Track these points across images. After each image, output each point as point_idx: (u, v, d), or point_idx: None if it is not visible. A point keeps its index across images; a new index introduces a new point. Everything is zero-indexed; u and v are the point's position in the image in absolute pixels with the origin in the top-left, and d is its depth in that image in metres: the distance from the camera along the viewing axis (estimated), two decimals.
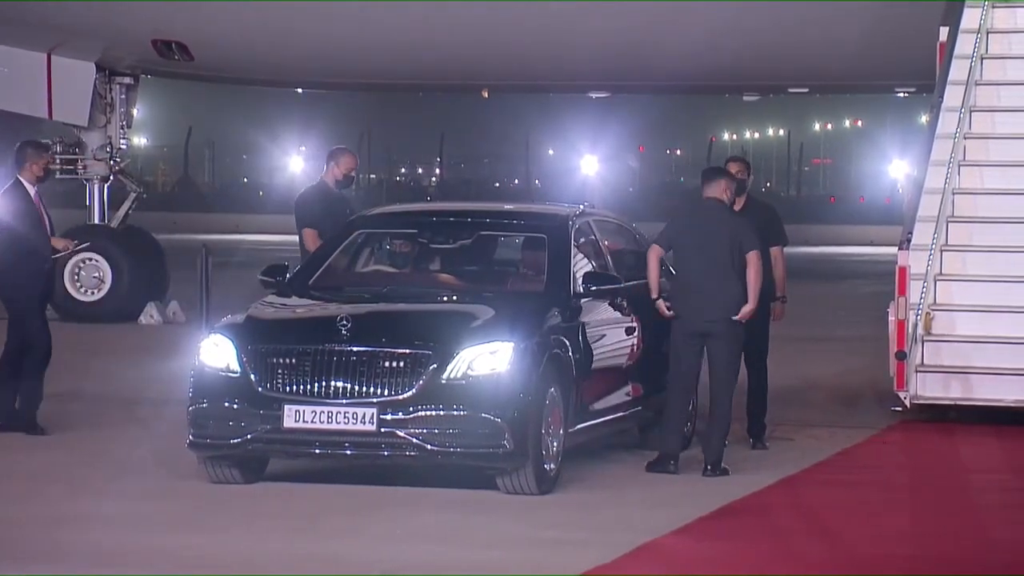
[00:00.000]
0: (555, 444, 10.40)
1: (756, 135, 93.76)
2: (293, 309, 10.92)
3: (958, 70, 14.31)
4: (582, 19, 19.84)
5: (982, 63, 14.47)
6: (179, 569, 8.43)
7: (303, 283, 11.19)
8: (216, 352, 10.33)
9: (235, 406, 10.21)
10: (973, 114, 14.29)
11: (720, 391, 10.99)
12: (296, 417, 10.11)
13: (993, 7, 14.68)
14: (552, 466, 10.36)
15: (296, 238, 12.96)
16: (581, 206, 11.76)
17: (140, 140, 69.56)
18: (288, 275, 11.20)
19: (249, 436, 10.19)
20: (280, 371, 10.18)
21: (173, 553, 8.74)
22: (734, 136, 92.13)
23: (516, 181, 73.82)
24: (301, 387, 10.14)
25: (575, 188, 54.47)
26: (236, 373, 10.25)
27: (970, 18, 14.57)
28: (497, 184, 78.82)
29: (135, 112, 21.77)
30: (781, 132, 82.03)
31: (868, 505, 10.27)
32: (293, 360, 10.17)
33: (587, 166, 61.65)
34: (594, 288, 11.04)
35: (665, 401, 11.12)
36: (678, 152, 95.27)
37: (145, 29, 20.51)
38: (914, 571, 8.63)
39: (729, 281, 10.95)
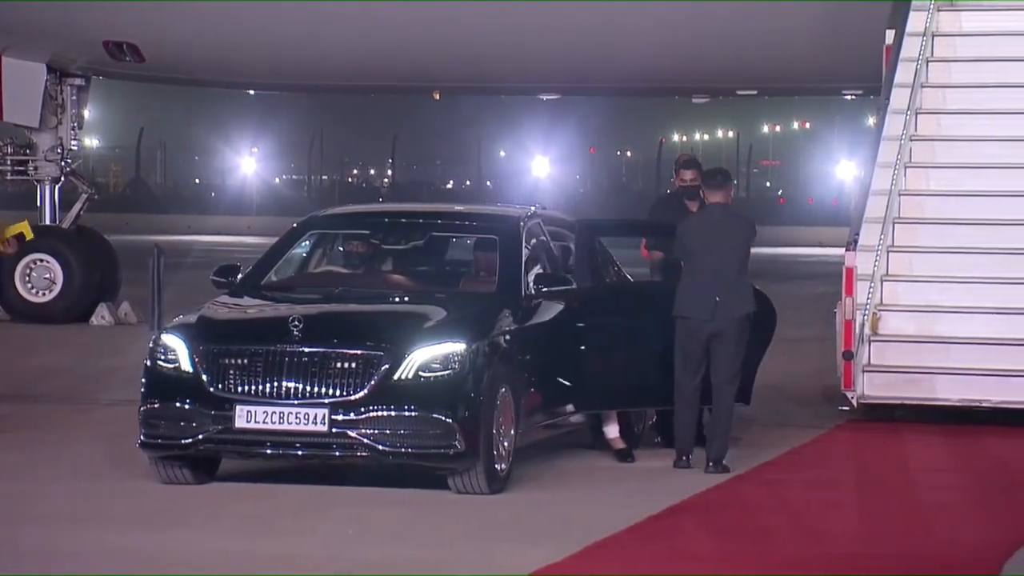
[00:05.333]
0: (506, 444, 10.41)
1: (706, 137, 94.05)
2: (245, 310, 10.90)
3: (904, 73, 14.40)
4: (533, 21, 19.86)
5: (928, 66, 14.56)
6: (132, 569, 8.40)
7: (255, 284, 11.17)
8: (168, 352, 10.30)
9: (186, 406, 10.18)
10: (919, 116, 14.38)
11: (724, 389, 11.07)
12: (248, 417, 10.09)
13: (939, 10, 14.78)
14: (503, 466, 10.37)
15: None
16: (532, 207, 11.78)
17: (91, 141, 69.18)
18: (240, 276, 11.18)
19: (200, 436, 10.16)
20: (232, 371, 10.16)
21: (126, 553, 8.71)
22: (684, 138, 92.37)
23: (468, 182, 73.85)
24: (253, 387, 10.12)
25: (526, 189, 54.52)
26: (188, 373, 10.23)
27: (916, 21, 14.66)
28: (449, 185, 78.83)
29: (86, 113, 21.67)
30: (730, 134, 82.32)
31: (815, 504, 10.32)
32: (245, 360, 10.15)
33: (538, 167, 61.71)
34: (545, 289, 11.06)
35: (675, 401, 11.18)
36: (628, 154, 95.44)
37: (96, 30, 20.42)
38: (860, 570, 8.67)
39: (741, 281, 11.09)
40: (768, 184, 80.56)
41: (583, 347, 11.30)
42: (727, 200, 11.34)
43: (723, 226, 11.22)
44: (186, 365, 10.24)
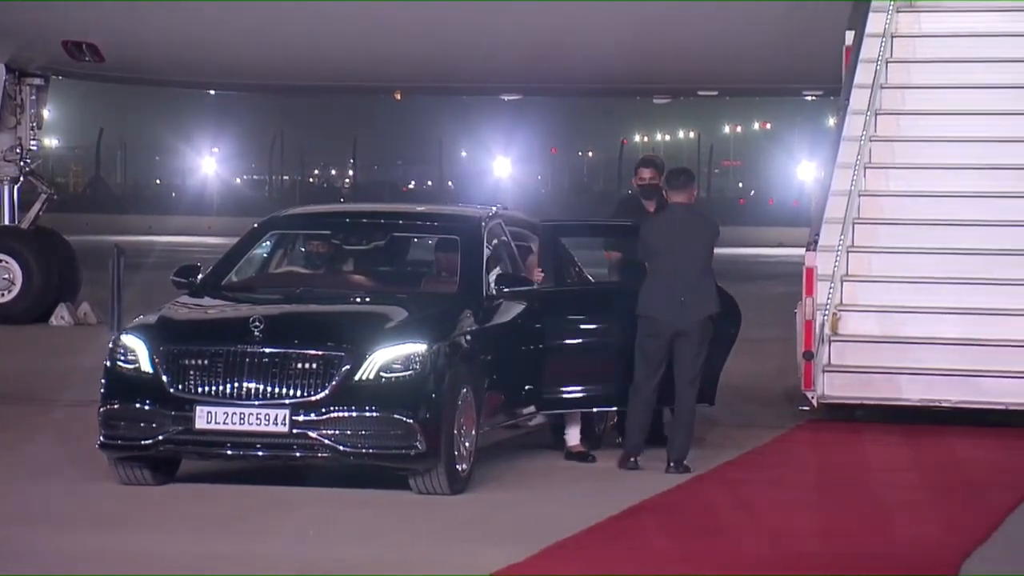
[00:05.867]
0: (467, 444, 10.41)
1: (667, 137, 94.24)
2: (205, 310, 10.88)
3: (864, 74, 14.46)
4: (494, 21, 19.87)
5: (887, 67, 14.62)
6: (91, 570, 8.37)
7: (215, 284, 11.15)
8: (127, 353, 10.27)
9: (146, 407, 10.15)
10: (878, 117, 14.44)
11: (686, 390, 11.09)
12: (208, 418, 10.07)
13: (898, 12, 14.84)
14: (464, 466, 10.37)
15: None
16: (494, 208, 11.78)
17: (51, 141, 68.91)
18: (200, 276, 11.15)
19: (161, 437, 10.13)
20: (192, 372, 10.13)
21: (85, 554, 8.68)
22: (645, 138, 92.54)
23: (430, 183, 73.82)
24: (213, 388, 10.10)
25: (488, 190, 54.54)
26: (148, 374, 10.20)
27: (875, 22, 14.72)
28: (411, 186, 78.77)
29: (46, 113, 21.57)
30: (692, 134, 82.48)
31: (776, 503, 10.35)
32: (205, 361, 10.13)
33: (500, 168, 61.75)
34: (507, 289, 11.07)
35: (628, 400, 11.19)
36: (590, 154, 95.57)
37: (55, 30, 20.34)
38: (820, 569, 8.70)
39: (705, 281, 11.10)
40: (741, 185, 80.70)
41: (544, 348, 11.31)
42: (690, 200, 11.36)
43: (687, 226, 11.24)
44: (146, 366, 10.21)
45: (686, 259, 11.13)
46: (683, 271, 11.11)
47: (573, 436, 11.62)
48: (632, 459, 11.17)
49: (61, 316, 20.32)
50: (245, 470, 10.62)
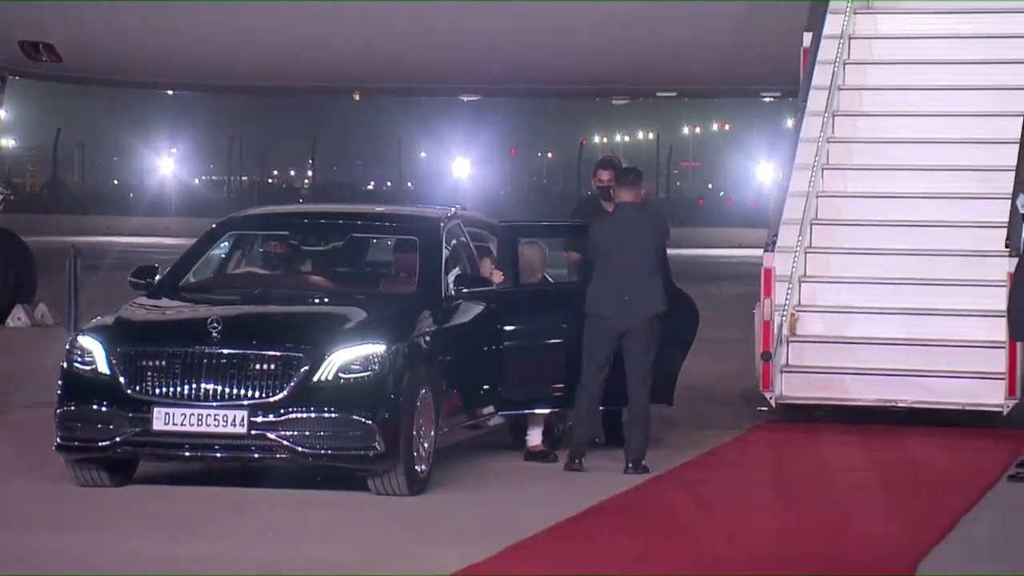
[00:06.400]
0: (426, 445, 10.41)
1: (626, 138, 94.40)
2: (163, 311, 10.85)
3: (821, 75, 14.51)
4: (452, 21, 19.87)
5: (844, 68, 14.68)
6: (51, 571, 8.33)
7: (173, 285, 11.12)
8: (84, 354, 10.23)
9: (104, 408, 10.12)
10: (836, 118, 14.49)
11: (638, 389, 11.10)
12: (166, 419, 10.04)
13: (855, 13, 14.90)
14: (423, 467, 10.37)
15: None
16: (453, 208, 11.78)
17: (7, 141, 68.59)
18: (158, 277, 11.12)
19: (118, 439, 10.10)
20: (150, 373, 10.10)
21: (41, 555, 8.64)
22: (604, 139, 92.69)
23: (389, 183, 73.77)
24: (171, 389, 10.07)
25: (447, 190, 54.53)
26: (105, 375, 10.16)
27: (833, 23, 14.77)
28: (370, 186, 78.68)
29: (2, 113, 21.47)
30: (651, 135, 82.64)
31: (734, 504, 10.38)
32: (163, 362, 10.10)
33: (459, 169, 61.75)
34: (466, 290, 11.08)
35: (575, 399, 11.19)
36: (549, 155, 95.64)
37: (11, 30, 20.24)
38: (777, 569, 8.73)
39: (652, 280, 11.10)
40: (710, 185, 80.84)
41: (503, 348, 11.32)
42: (638, 199, 11.37)
43: (634, 225, 11.24)
44: (103, 367, 10.18)
45: (633, 258, 11.13)
46: (630, 270, 11.12)
47: (535, 437, 11.63)
48: (576, 461, 11.16)
49: (18, 317, 20.22)
50: (203, 472, 10.59)
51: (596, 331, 11.13)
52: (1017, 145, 13.72)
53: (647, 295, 11.10)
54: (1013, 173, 13.43)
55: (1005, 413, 12.99)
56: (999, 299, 12.39)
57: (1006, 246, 13.05)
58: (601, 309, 11.12)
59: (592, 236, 11.31)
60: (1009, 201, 13.03)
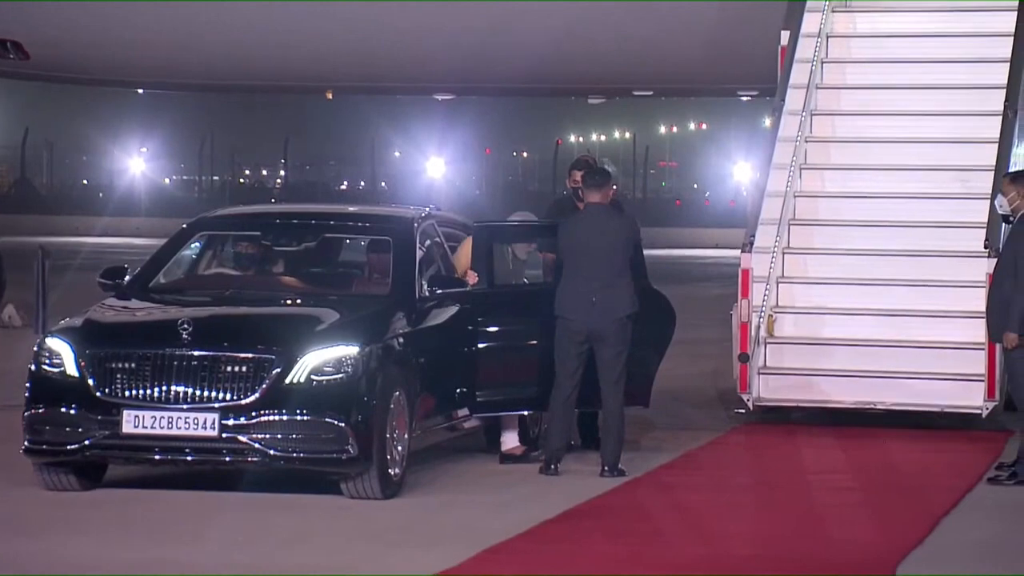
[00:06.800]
0: (400, 448, 10.40)
1: (602, 138, 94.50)
2: (133, 312, 10.81)
3: (799, 74, 14.53)
4: (427, 20, 19.87)
5: (822, 67, 14.70)
6: (18, 574, 8.31)
7: (143, 286, 11.09)
8: (53, 356, 10.19)
9: (72, 411, 10.09)
10: (814, 118, 14.52)
11: (610, 391, 11.09)
12: (135, 422, 10.01)
13: (833, 11, 14.92)
14: (397, 470, 10.36)
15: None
16: (427, 208, 11.77)
17: None
18: (128, 278, 11.09)
19: (87, 442, 10.07)
20: (119, 375, 10.07)
21: (9, 560, 8.61)
22: (580, 139, 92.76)
23: (362, 183, 73.74)
24: (140, 392, 10.04)
25: (421, 190, 54.51)
26: (73, 378, 10.13)
27: (810, 22, 14.80)
28: (343, 186, 78.62)
29: None
30: (627, 135, 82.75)
31: (711, 507, 10.39)
32: (132, 364, 10.07)
33: (433, 168, 61.75)
34: (440, 291, 11.07)
35: (550, 402, 11.18)
36: (524, 154, 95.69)
37: None
38: (753, 571, 8.74)
39: (621, 281, 11.08)
40: (695, 186, 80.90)
41: (478, 350, 11.31)
42: (605, 199, 11.35)
43: (602, 226, 11.21)
44: (72, 369, 10.15)
45: (601, 259, 11.10)
46: (597, 271, 11.09)
47: (511, 439, 11.62)
48: (552, 466, 11.15)
49: None
50: (174, 475, 10.56)
51: (565, 334, 11.12)
52: (996, 144, 13.76)
53: (615, 297, 11.07)
54: (992, 173, 13.47)
55: (984, 415, 13.03)
56: (978, 300, 12.42)
57: (985, 246, 13.08)
58: (569, 311, 11.10)
59: (560, 237, 11.29)
60: (988, 201, 13.06)
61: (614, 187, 11.73)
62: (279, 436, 10.00)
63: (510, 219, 12.23)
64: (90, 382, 10.09)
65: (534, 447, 11.77)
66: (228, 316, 10.65)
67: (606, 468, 11.11)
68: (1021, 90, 14.09)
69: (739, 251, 13.57)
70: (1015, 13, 14.50)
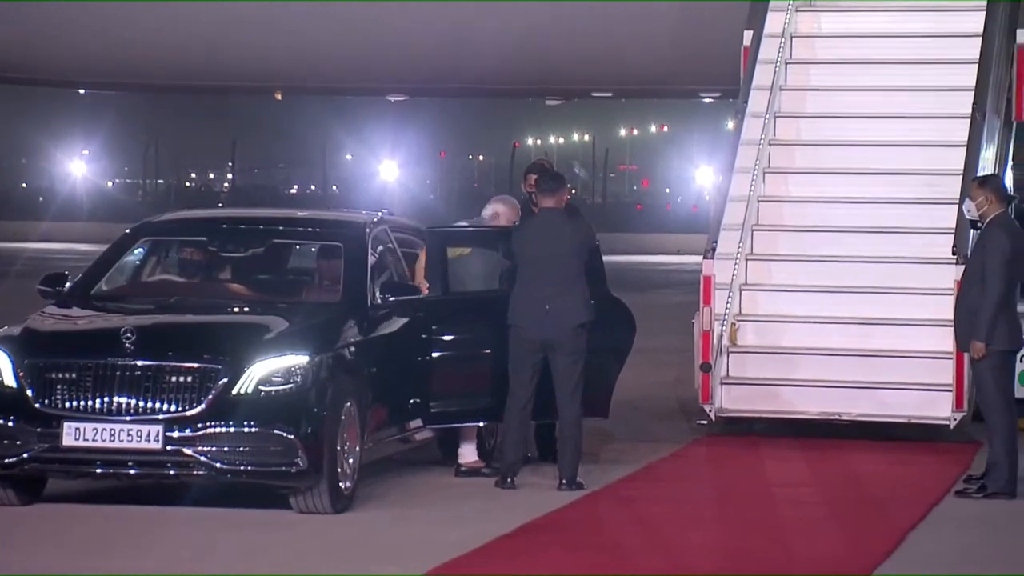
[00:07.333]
0: (351, 461, 10.38)
1: (561, 140, 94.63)
2: (74, 321, 10.77)
3: (763, 75, 14.56)
4: (378, 18, 19.85)
5: (787, 68, 14.74)
6: None
7: (85, 293, 11.05)
8: None
9: (10, 423, 10.04)
10: (778, 120, 14.55)
11: (566, 402, 11.08)
12: (76, 435, 9.97)
13: (797, 11, 14.96)
14: (348, 484, 10.34)
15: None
16: (380, 213, 11.76)
17: None
18: (68, 285, 11.04)
19: (26, 455, 10.02)
20: (59, 386, 10.03)
21: None
22: (538, 141, 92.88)
23: (313, 187, 73.66)
24: (82, 403, 10.00)
25: (374, 194, 54.48)
26: (11, 389, 10.08)
27: (774, 22, 14.82)
28: (293, 190, 78.53)
29: None
30: (586, 137, 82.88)
31: (672, 520, 10.41)
32: (73, 375, 10.03)
33: (386, 172, 61.72)
34: (392, 298, 11.06)
35: (505, 413, 11.17)
36: (481, 157, 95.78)
37: None
38: None
39: (575, 289, 11.08)
40: (668, 190, 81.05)
41: (431, 359, 11.30)
42: (559, 204, 11.35)
43: (556, 231, 11.21)
44: (9, 380, 10.10)
45: (554, 266, 11.10)
46: (551, 278, 11.08)
47: (469, 452, 11.61)
48: (508, 479, 11.14)
49: None
50: (116, 490, 10.52)
51: (518, 343, 11.11)
52: (964, 148, 13.82)
53: (569, 304, 11.06)
54: (960, 177, 13.53)
55: (952, 426, 13.08)
56: (946, 308, 12.47)
57: (953, 253, 13.14)
58: (522, 320, 11.09)
59: (513, 243, 11.29)
60: (956, 206, 13.11)
61: (572, 191, 11.74)
62: (226, 449, 9.97)
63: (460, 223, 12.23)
64: (29, 393, 10.04)
65: (487, 460, 11.76)
66: (173, 324, 10.62)
67: (564, 481, 11.11)
68: (989, 92, 14.16)
69: (701, 257, 13.60)
70: (983, 14, 14.58)
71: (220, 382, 10.01)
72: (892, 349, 13.33)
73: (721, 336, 13.32)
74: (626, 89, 24.29)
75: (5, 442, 10.05)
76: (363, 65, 20.85)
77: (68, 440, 9.98)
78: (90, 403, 10.00)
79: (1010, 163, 15.10)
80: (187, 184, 77.64)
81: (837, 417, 13.28)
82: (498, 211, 11.74)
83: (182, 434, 9.95)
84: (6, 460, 10.05)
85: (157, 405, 9.98)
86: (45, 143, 68.52)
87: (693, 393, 13.43)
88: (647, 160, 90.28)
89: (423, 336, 11.31)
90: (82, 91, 27.30)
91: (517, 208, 11.79)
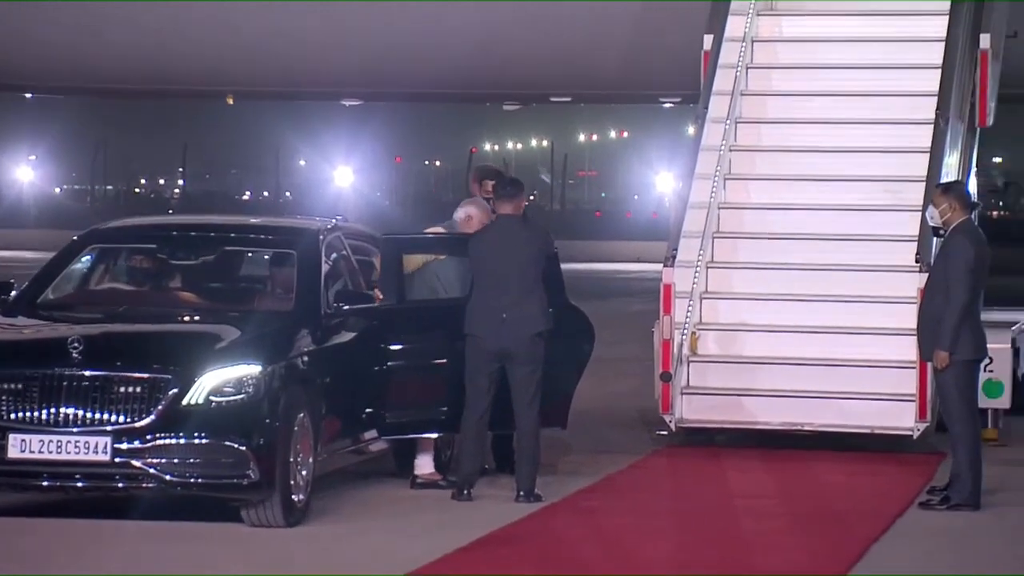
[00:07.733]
0: (304, 473, 10.38)
1: (519, 146, 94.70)
2: (19, 330, 10.75)
3: (723, 80, 14.60)
4: (332, 21, 19.84)
5: (747, 73, 14.78)
6: None
7: (30, 302, 11.02)
8: None
9: None
10: (739, 126, 14.59)
11: (524, 412, 11.09)
12: (22, 447, 9.94)
13: (758, 15, 15.01)
14: (301, 497, 10.34)
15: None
16: (333, 220, 11.76)
17: None
18: (14, 293, 11.01)
19: None
20: (4, 397, 10.00)
21: None
22: (496, 147, 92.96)
23: (266, 193, 73.54)
24: (27, 414, 9.97)
25: (328, 201, 54.42)
26: None
27: (735, 26, 14.86)
28: (245, 196, 78.36)
29: None
30: (544, 143, 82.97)
31: (631, 532, 10.43)
32: (18, 385, 10.00)
33: (341, 177, 61.68)
34: (346, 307, 11.06)
35: (461, 424, 11.17)
36: (437, 163, 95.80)
37: None
38: None
39: (532, 297, 11.09)
40: (636, 196, 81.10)
41: (386, 368, 11.30)
42: (518, 211, 11.38)
43: (513, 238, 11.23)
44: None
45: (511, 274, 11.11)
46: (508, 287, 11.10)
47: (426, 464, 11.61)
48: (465, 491, 11.15)
49: None
50: (63, 503, 10.49)
51: (475, 352, 11.12)
52: (927, 154, 13.89)
53: (527, 313, 11.08)
54: (923, 184, 13.59)
55: (915, 437, 13.14)
56: (909, 317, 12.52)
57: (916, 261, 13.20)
58: (478, 329, 11.11)
59: (469, 250, 11.30)
60: (919, 213, 13.18)
61: (531, 197, 11.77)
62: (176, 461, 9.95)
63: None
64: None
65: (443, 471, 11.77)
66: (121, 334, 10.60)
67: (521, 493, 11.12)
68: (953, 98, 14.24)
69: (661, 265, 13.62)
70: (946, 18, 14.65)
71: (170, 392, 9.99)
72: (855, 358, 13.38)
73: (682, 345, 13.35)
74: (585, 94, 24.34)
75: None
76: (317, 68, 20.84)
77: (14, 452, 9.94)
78: (36, 414, 9.97)
79: (973, 169, 15.18)
80: (136, 190, 77.45)
81: (799, 427, 13.32)
82: (471, 214, 11.76)
83: (131, 446, 9.92)
84: None
85: (105, 416, 9.96)
86: None
87: (653, 403, 13.45)
88: (607, 166, 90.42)
89: (378, 345, 11.31)
90: (28, 95, 27.22)
91: (489, 211, 11.80)
